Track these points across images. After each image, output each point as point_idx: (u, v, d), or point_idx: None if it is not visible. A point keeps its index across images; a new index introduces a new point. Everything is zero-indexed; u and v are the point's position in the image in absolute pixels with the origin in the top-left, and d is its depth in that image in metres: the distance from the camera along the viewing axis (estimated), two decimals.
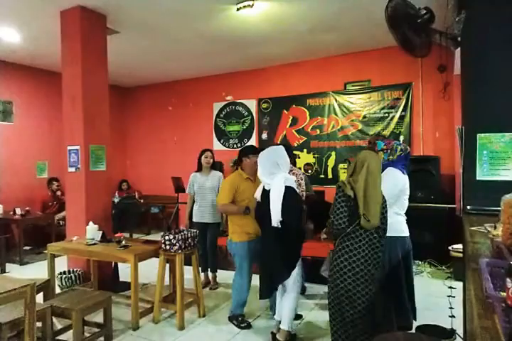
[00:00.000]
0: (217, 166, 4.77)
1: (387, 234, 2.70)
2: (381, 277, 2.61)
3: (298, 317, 3.52)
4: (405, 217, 2.92)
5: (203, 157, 4.48)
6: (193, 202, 4.57)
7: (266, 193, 2.96)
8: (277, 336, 3.03)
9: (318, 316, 3.57)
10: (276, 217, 2.82)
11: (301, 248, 3.07)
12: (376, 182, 2.37)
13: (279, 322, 3.09)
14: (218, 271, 4.63)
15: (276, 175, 2.94)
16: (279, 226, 2.82)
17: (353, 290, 2.32)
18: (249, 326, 3.39)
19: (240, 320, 3.42)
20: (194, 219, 4.52)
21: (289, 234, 2.88)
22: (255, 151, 3.49)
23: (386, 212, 2.46)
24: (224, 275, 4.65)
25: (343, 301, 2.35)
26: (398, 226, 2.85)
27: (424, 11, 3.22)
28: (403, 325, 2.76)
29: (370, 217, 2.28)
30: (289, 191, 2.87)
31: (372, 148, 3.10)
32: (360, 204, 2.29)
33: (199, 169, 4.54)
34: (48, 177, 6.89)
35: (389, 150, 2.95)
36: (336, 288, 2.38)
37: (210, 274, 4.59)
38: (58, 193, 6.69)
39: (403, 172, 2.89)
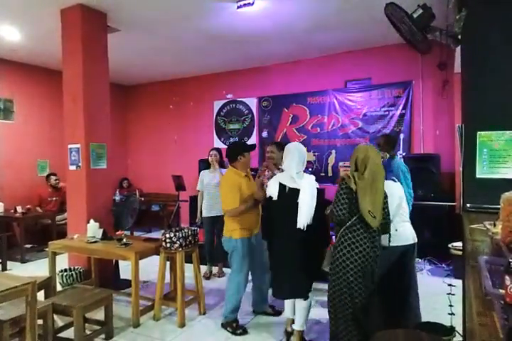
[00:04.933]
0: (224, 164, 4.85)
1: (398, 244, 2.75)
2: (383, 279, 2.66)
3: (277, 313, 3.56)
4: (409, 222, 2.97)
5: (209, 156, 4.68)
6: None
7: (290, 192, 2.85)
8: (292, 338, 3.01)
9: (318, 313, 3.57)
10: (305, 220, 2.75)
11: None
12: (381, 178, 2.44)
13: (292, 320, 3.06)
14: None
15: (300, 174, 2.89)
16: (305, 228, 2.76)
17: (355, 282, 2.36)
18: (245, 332, 3.24)
19: (234, 327, 3.25)
20: (203, 214, 4.66)
21: (313, 237, 2.82)
22: (249, 148, 3.45)
23: (387, 207, 2.51)
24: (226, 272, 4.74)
25: (345, 293, 2.39)
26: (410, 233, 2.91)
27: (421, 11, 3.21)
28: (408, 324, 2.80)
29: (376, 214, 2.35)
30: (320, 194, 2.86)
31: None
32: (366, 202, 2.34)
33: (208, 166, 4.73)
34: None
35: None
36: (337, 280, 2.43)
37: (212, 268, 4.77)
38: (59, 186, 6.59)
39: (394, 181, 2.89)
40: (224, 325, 3.30)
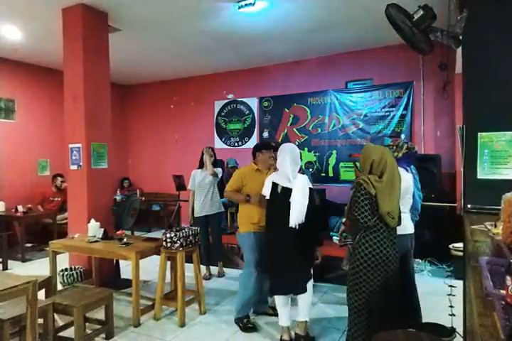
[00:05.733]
0: (218, 164, 4.84)
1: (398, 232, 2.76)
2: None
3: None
4: (409, 214, 2.96)
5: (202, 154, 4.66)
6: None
7: (283, 192, 2.89)
8: (297, 331, 3.00)
9: (319, 312, 3.60)
10: (298, 219, 2.80)
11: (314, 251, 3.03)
12: (397, 180, 2.46)
13: (288, 328, 3.02)
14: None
15: (294, 173, 2.93)
16: (297, 227, 2.80)
17: (374, 280, 2.37)
18: (254, 329, 3.28)
19: (245, 322, 3.31)
20: (195, 214, 4.63)
21: (306, 234, 2.86)
22: (268, 147, 3.48)
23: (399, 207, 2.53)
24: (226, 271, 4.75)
25: (363, 292, 2.40)
26: (408, 223, 2.90)
27: (422, 12, 3.21)
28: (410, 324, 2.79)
29: (395, 215, 2.37)
30: (312, 193, 2.90)
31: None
32: (386, 204, 2.35)
33: (201, 166, 4.67)
34: (51, 174, 6.87)
35: (395, 147, 2.97)
36: (356, 280, 2.43)
37: (210, 268, 4.73)
38: (62, 187, 6.55)
39: (407, 170, 2.90)
40: (236, 321, 3.36)
